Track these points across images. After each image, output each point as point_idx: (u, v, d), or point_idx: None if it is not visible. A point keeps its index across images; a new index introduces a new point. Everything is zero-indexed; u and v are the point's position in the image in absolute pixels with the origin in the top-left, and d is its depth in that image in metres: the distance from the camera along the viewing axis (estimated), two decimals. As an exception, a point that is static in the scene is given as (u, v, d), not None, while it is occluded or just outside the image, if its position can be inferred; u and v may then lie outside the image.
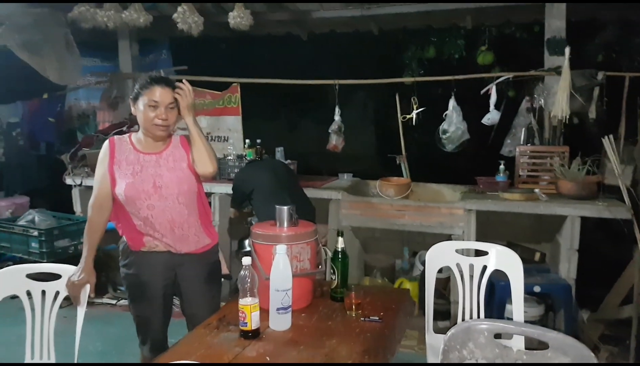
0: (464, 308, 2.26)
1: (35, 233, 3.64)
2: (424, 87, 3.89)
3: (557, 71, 3.40)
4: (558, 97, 3.36)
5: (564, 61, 3.35)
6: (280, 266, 1.77)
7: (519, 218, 3.35)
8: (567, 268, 3.04)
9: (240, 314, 1.70)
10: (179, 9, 3.62)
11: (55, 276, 2.01)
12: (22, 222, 3.79)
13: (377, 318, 1.86)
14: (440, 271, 3.52)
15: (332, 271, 2.03)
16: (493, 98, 3.55)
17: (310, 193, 3.54)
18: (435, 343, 2.19)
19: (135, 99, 2.00)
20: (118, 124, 4.16)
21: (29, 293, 1.99)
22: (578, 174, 3.13)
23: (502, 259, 2.24)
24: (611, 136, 3.23)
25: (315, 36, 4.52)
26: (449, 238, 3.29)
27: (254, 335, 1.70)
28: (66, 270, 2.00)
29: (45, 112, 4.88)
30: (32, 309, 1.97)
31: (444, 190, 3.69)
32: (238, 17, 3.61)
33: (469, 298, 2.26)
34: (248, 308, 1.68)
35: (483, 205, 3.10)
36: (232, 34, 4.48)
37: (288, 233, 1.92)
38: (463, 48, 4.41)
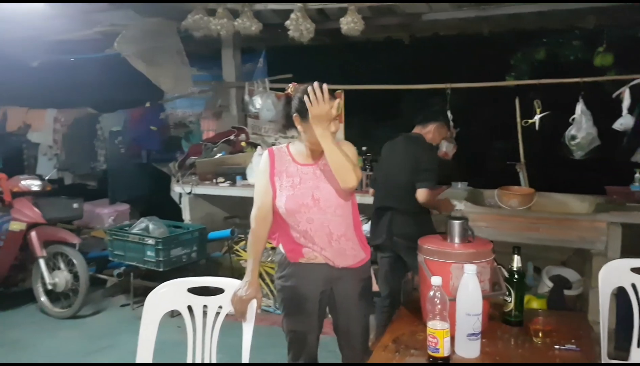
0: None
1: (151, 241, 3.68)
2: (539, 91, 3.65)
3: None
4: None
5: None
6: (469, 287, 1.62)
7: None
8: None
9: (430, 338, 1.57)
10: (292, 15, 3.57)
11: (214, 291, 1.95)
12: (135, 230, 3.84)
13: (575, 347, 1.67)
14: (569, 287, 3.31)
15: (507, 292, 1.86)
16: (627, 101, 3.26)
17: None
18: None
19: (302, 115, 1.91)
20: (225, 133, 4.18)
21: (190, 309, 1.94)
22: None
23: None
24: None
25: (417, 40, 4.37)
26: (585, 252, 3.03)
27: (444, 362, 1.56)
28: (230, 284, 1.93)
29: (147, 121, 4.99)
30: (193, 326, 1.91)
31: (571, 200, 3.41)
32: (352, 22, 3.52)
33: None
34: (441, 333, 1.55)
35: (629, 217, 2.82)
36: (330, 41, 4.41)
37: (469, 250, 1.77)
38: (579, 49, 4.11)
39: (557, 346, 1.68)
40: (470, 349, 1.62)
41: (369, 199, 3.48)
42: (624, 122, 3.28)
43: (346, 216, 1.99)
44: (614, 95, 3.31)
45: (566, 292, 3.12)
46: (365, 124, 4.66)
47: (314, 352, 2.09)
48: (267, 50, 4.89)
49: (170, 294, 1.95)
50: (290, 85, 2.01)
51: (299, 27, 3.58)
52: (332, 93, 1.89)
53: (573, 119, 3.38)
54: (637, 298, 2.04)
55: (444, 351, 1.55)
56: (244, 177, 3.96)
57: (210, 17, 3.70)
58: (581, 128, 3.32)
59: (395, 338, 1.76)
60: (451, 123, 3.71)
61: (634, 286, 2.06)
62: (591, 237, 2.87)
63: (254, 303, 1.89)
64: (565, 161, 3.50)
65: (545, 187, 3.50)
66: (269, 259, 3.66)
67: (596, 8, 3.55)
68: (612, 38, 3.99)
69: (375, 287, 2.19)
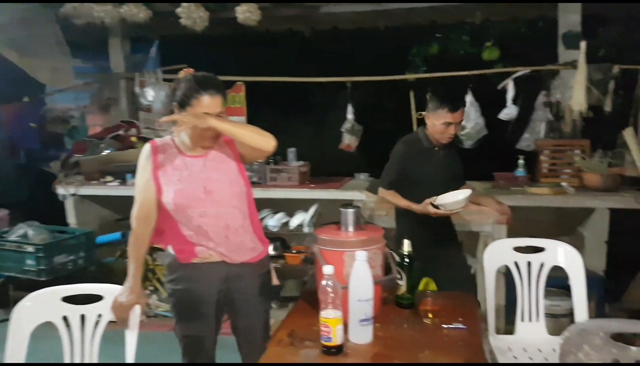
0: (522, 308, 2.21)
1: (31, 249, 3.34)
2: (433, 84, 3.84)
3: (573, 64, 3.41)
4: (575, 91, 3.38)
5: (579, 55, 3.36)
6: (361, 273, 1.64)
7: (537, 213, 3.33)
8: (596, 260, 3.05)
9: (323, 328, 1.56)
10: (184, 4, 3.42)
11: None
12: (13, 237, 3.47)
13: (462, 325, 1.76)
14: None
15: (399, 276, 1.92)
16: (511, 93, 3.53)
17: (331, 194, 3.43)
18: (499, 345, 2.11)
19: (182, 106, 1.81)
20: (113, 128, 3.90)
21: (65, 319, 1.77)
22: (601, 166, 3.15)
23: (561, 255, 2.19)
24: (631, 128, 3.28)
25: (317, 33, 4.40)
26: (476, 235, 3.24)
27: (338, 350, 1.57)
28: (110, 290, 1.79)
29: (25, 117, 4.52)
30: (70, 336, 1.75)
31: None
32: (247, 12, 3.45)
33: (528, 297, 2.20)
34: (333, 322, 1.55)
35: (514, 200, 3.06)
36: (229, 32, 4.30)
37: (361, 238, 1.79)
38: (468, 44, 4.39)
39: (445, 326, 1.75)
40: (362, 334, 1.64)
41: (270, 193, 3.44)
42: (509, 112, 3.55)
43: (242, 207, 1.93)
44: (499, 86, 3.57)
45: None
46: (270, 118, 4.61)
47: (211, 355, 2.01)
48: (161, 39, 4.64)
49: (40, 306, 1.77)
50: (182, 71, 1.90)
51: (192, 15, 3.44)
52: (229, 84, 1.84)
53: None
54: (520, 275, 2.22)
55: (336, 339, 1.56)
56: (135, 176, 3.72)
57: (92, 3, 3.43)
58: (470, 118, 3.55)
59: (291, 331, 1.74)
60: (351, 115, 3.80)
61: (516, 264, 2.23)
62: (480, 220, 3.07)
63: (137, 310, 1.77)
64: (460, 151, 3.70)
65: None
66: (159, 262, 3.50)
67: (483, 4, 3.80)
68: (498, 33, 4.31)
69: (275, 281, 2.14)
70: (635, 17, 3.85)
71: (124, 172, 3.68)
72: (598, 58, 3.84)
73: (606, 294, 3.16)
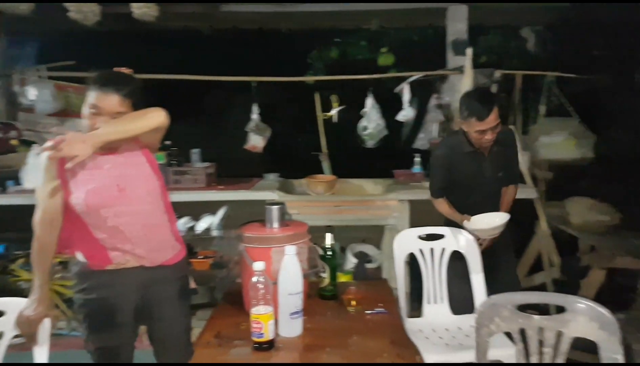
0: (428, 291, 2.41)
1: None
2: (335, 87, 4.03)
3: (461, 69, 3.79)
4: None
5: (466, 60, 3.74)
6: (290, 268, 1.69)
7: (430, 205, 3.63)
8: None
9: (254, 325, 1.59)
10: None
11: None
12: None
13: (383, 310, 1.89)
14: (370, 261, 3.72)
15: (322, 269, 2.00)
16: (406, 96, 3.81)
17: (241, 195, 3.41)
18: (411, 327, 2.29)
19: (88, 106, 1.73)
20: (-11, 130, 3.49)
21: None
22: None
23: (459, 240, 2.43)
24: (512, 127, 3.72)
25: (217, 32, 4.36)
26: (380, 228, 3.46)
27: (270, 345, 1.60)
28: (13, 304, 1.63)
29: None
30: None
31: (366, 185, 3.85)
32: (144, 7, 3.32)
33: (432, 282, 2.41)
34: (265, 317, 1.58)
35: (413, 195, 3.31)
36: (124, 27, 4.09)
37: (287, 233, 1.84)
38: (366, 49, 4.65)
39: (368, 312, 1.87)
40: (293, 328, 1.69)
41: (173, 197, 3.32)
42: (406, 114, 3.83)
43: (158, 204, 1.87)
44: (396, 90, 3.84)
45: (368, 266, 3.51)
46: (170, 119, 4.46)
47: (129, 366, 1.92)
48: (47, 34, 4.27)
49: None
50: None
51: (82, 8, 3.22)
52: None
53: (364, 112, 3.81)
54: (424, 261, 2.42)
55: (268, 334, 1.59)
56: (18, 182, 3.37)
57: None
58: (371, 120, 3.77)
59: (217, 332, 1.73)
60: (256, 115, 3.82)
61: (421, 251, 2.43)
62: (385, 214, 3.29)
63: (46, 323, 1.64)
64: (360, 150, 3.93)
65: (345, 174, 3.87)
66: (59, 276, 3.21)
67: (380, 11, 4.06)
68: (392, 40, 4.63)
69: (192, 284, 2.10)
70: (511, 26, 4.39)
71: (4, 178, 3.32)
72: (481, 64, 4.30)
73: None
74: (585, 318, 1.53)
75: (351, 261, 3.64)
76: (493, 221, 2.32)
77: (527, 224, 3.63)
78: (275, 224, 1.88)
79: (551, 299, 1.60)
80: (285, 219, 1.92)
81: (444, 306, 2.43)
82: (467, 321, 2.31)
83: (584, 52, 5.18)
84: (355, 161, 4.07)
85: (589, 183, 3.66)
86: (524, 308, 1.57)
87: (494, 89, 3.82)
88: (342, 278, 3.49)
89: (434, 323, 2.35)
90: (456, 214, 2.44)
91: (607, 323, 1.50)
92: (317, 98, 3.92)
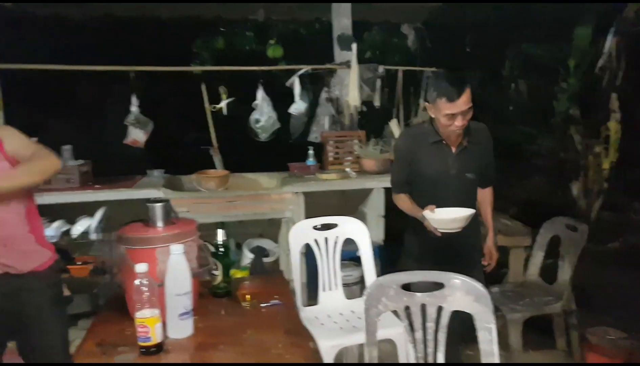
0: (323, 279, 2.48)
1: None
2: (223, 78, 3.95)
3: (348, 64, 3.92)
4: (350, 88, 3.89)
5: (352, 55, 3.89)
6: (176, 268, 1.64)
7: (328, 197, 3.75)
8: (376, 233, 3.60)
9: (140, 329, 1.52)
10: None
11: None
12: None
13: (278, 301, 1.90)
14: (267, 255, 3.71)
15: (214, 266, 1.96)
16: (297, 89, 3.85)
17: (122, 194, 3.22)
18: (307, 315, 2.33)
19: None
20: None
21: None
22: (375, 153, 3.71)
23: (351, 228, 2.53)
24: (395, 120, 3.95)
25: (89, 19, 4.03)
26: (277, 222, 3.47)
27: (158, 349, 1.54)
28: None
29: None
30: None
31: (261, 178, 3.84)
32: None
33: (327, 269, 2.49)
34: (151, 321, 1.52)
35: (308, 187, 3.38)
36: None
37: (173, 232, 1.77)
38: (253, 40, 4.61)
39: (263, 305, 1.87)
40: (183, 329, 1.64)
41: (44, 199, 3.04)
42: (297, 107, 3.87)
43: (20, 209, 1.72)
44: (287, 84, 3.86)
45: (265, 260, 3.51)
46: (35, 114, 4.03)
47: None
48: None
49: None
50: None
51: None
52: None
53: (256, 105, 3.78)
54: (319, 250, 2.48)
55: (156, 338, 1.53)
56: None
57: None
58: (263, 112, 3.76)
59: (100, 340, 1.62)
60: (136, 108, 3.61)
61: (316, 241, 2.49)
62: (280, 207, 3.32)
63: None
64: (254, 143, 3.90)
65: (239, 168, 3.82)
66: None
67: (265, 2, 4.04)
68: (280, 32, 4.64)
69: (66, 291, 1.95)
70: (392, 23, 4.63)
71: None
72: (366, 59, 4.49)
73: (386, 259, 3.73)
74: (462, 292, 1.68)
75: (248, 257, 3.61)
76: (451, 214, 2.11)
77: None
78: (160, 223, 1.80)
79: (431, 277, 1.72)
80: (171, 218, 1.84)
81: (339, 292, 2.52)
82: (359, 304, 2.41)
83: (458, 48, 5.64)
84: (249, 154, 4.02)
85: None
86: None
87: (378, 84, 4.02)
88: (238, 274, 3.45)
89: (330, 309, 2.43)
90: (417, 209, 2.19)
91: (481, 296, 1.66)
92: (204, 89, 3.81)
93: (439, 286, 1.71)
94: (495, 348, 1.62)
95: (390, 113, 4.11)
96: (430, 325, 1.70)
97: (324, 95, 4.00)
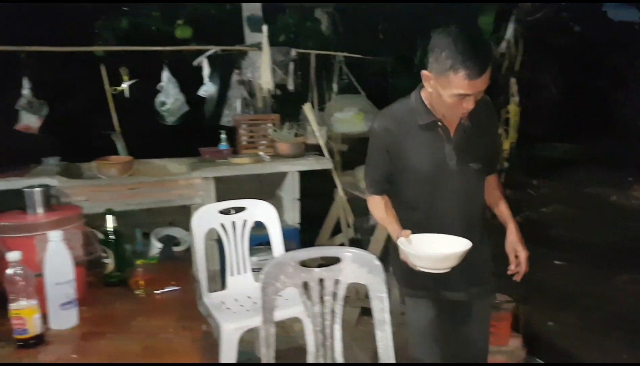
0: (231, 264, 2.46)
1: None
2: (127, 59, 3.77)
3: (259, 46, 3.87)
4: (262, 71, 3.85)
5: (263, 37, 3.84)
6: (56, 255, 1.55)
7: (242, 182, 3.71)
8: (292, 216, 3.62)
9: (16, 321, 1.43)
10: None
11: None
12: None
13: (175, 287, 1.85)
14: (178, 244, 3.61)
15: (104, 254, 1.87)
16: (206, 71, 3.76)
17: (13, 184, 2.97)
18: (213, 301, 2.30)
19: None
20: None
21: None
22: (290, 136, 3.72)
23: (259, 211, 2.52)
24: (309, 104, 3.97)
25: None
26: (187, 209, 3.38)
27: (37, 341, 1.45)
28: None
29: None
30: None
31: (169, 165, 3.70)
32: None
33: (235, 253, 2.46)
34: (27, 312, 1.43)
35: (219, 172, 3.31)
36: None
37: (53, 218, 1.67)
38: (159, 21, 4.43)
39: (158, 291, 1.82)
40: (66, 318, 1.56)
41: None
42: (207, 89, 3.77)
43: None
44: (194, 63, 3.75)
45: (175, 249, 3.42)
46: None
47: None
48: None
49: None
50: None
51: None
52: None
53: (161, 87, 3.64)
54: (226, 235, 2.45)
55: (34, 329, 1.44)
56: None
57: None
58: (169, 95, 3.63)
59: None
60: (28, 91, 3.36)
61: (223, 225, 2.45)
62: (189, 193, 3.23)
63: None
64: (163, 128, 3.76)
65: (146, 154, 3.66)
66: None
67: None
68: (189, 12, 4.48)
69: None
70: (306, 7, 4.63)
71: None
72: (280, 42, 4.45)
73: (303, 242, 3.77)
74: (357, 265, 1.73)
75: (156, 246, 3.50)
76: (444, 247, 1.57)
77: (328, 193, 3.95)
78: (39, 210, 1.70)
79: (328, 252, 1.76)
80: (51, 204, 1.74)
81: (248, 276, 2.50)
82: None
83: (371, 35, 5.75)
84: (158, 140, 3.87)
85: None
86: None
87: (291, 67, 4.01)
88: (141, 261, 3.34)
89: (238, 293, 2.40)
90: (393, 225, 1.70)
91: (374, 267, 1.72)
92: (103, 71, 3.60)
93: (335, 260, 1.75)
94: (387, 316, 1.68)
95: (304, 97, 4.12)
96: (328, 299, 1.73)
97: (235, 77, 3.93)
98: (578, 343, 2.17)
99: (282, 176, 3.67)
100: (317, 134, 3.81)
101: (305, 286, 1.73)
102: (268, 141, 3.78)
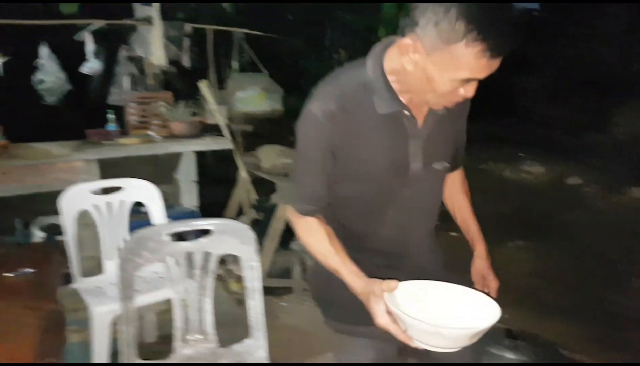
0: (106, 247, 2.31)
1: None
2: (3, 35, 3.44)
3: (149, 20, 3.68)
4: (153, 47, 3.67)
5: (153, 11, 3.66)
6: None
7: (135, 166, 3.52)
8: (190, 199, 3.51)
9: None
10: None
11: None
12: None
13: (30, 270, 1.71)
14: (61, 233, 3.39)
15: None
16: (90, 46, 3.52)
17: None
18: (86, 286, 2.16)
19: None
20: None
21: None
22: (183, 115, 3.58)
23: (139, 191, 2.39)
24: (205, 81, 3.84)
25: None
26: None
27: None
28: None
29: None
30: None
31: (52, 148, 3.40)
32: None
33: (111, 236, 2.32)
34: None
35: (102, 153, 3.13)
36: None
37: None
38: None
39: (9, 274, 1.67)
40: None
41: None
42: (91, 66, 3.54)
43: None
44: (75, 37, 3.49)
45: (58, 238, 3.19)
46: None
47: None
48: None
49: None
50: None
51: None
52: None
53: (39, 64, 3.37)
54: (100, 216, 2.30)
55: None
56: None
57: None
58: (48, 72, 3.37)
59: None
60: None
61: (96, 207, 2.30)
62: (69, 178, 3.01)
63: None
64: (44, 109, 3.48)
65: (27, 138, 3.37)
66: None
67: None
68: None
69: None
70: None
71: None
72: (179, 18, 4.27)
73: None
74: (228, 236, 1.68)
75: (38, 236, 3.25)
76: (447, 305, 1.10)
77: (231, 175, 3.86)
78: None
79: (197, 225, 1.69)
80: None
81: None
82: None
83: (279, 15, 5.69)
84: (39, 122, 3.58)
85: (279, 132, 4.09)
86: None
87: (186, 43, 3.86)
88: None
89: (115, 277, 2.26)
90: (348, 266, 1.15)
91: (247, 237, 1.68)
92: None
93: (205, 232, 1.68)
94: (257, 284, 1.65)
95: (204, 75, 3.98)
96: (198, 272, 1.67)
97: (123, 53, 3.72)
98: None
99: (176, 157, 3.54)
100: (216, 114, 3.70)
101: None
102: (161, 121, 3.61)
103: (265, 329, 1.66)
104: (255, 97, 4.09)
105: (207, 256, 1.66)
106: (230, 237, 1.68)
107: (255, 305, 1.66)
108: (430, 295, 1.09)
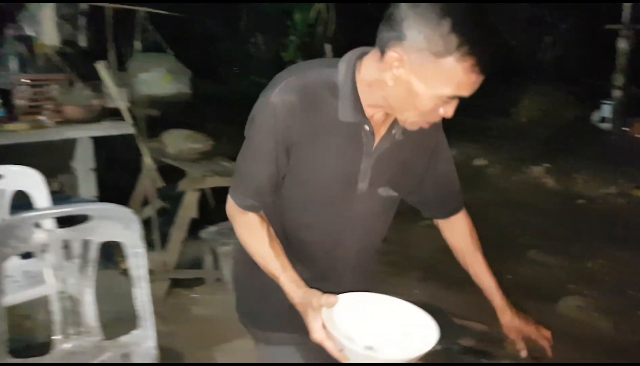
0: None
1: None
2: None
3: (38, -3, 3.42)
4: (45, 26, 3.41)
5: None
6: None
7: (26, 155, 3.24)
8: (87, 188, 3.31)
9: None
10: None
11: None
12: None
13: None
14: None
15: None
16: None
17: None
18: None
19: None
20: None
21: None
22: (80, 99, 3.35)
23: (20, 179, 2.21)
24: (103, 62, 3.61)
25: None
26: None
27: None
28: None
29: None
30: None
31: None
32: None
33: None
34: None
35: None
36: None
37: None
38: None
39: None
40: None
41: None
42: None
43: None
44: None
45: None
46: None
47: None
48: None
49: None
50: None
51: None
52: None
53: None
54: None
55: None
56: None
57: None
58: None
59: None
60: None
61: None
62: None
63: None
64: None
65: None
66: None
67: None
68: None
69: None
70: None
71: None
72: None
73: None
74: (111, 221, 1.59)
75: None
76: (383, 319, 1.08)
77: (134, 162, 3.68)
78: None
79: (72, 210, 1.59)
80: None
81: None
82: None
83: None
84: None
85: (187, 117, 3.96)
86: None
87: (81, 21, 3.62)
88: None
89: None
90: (288, 271, 1.10)
91: (130, 222, 1.59)
92: None
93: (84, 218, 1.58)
94: (143, 271, 1.58)
95: (102, 55, 3.75)
96: (77, 262, 1.57)
97: (10, 32, 3.42)
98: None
99: (71, 144, 3.32)
100: (115, 96, 3.50)
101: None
102: (55, 105, 3.36)
103: (153, 319, 1.59)
104: (159, 79, 3.91)
105: (87, 244, 1.57)
106: (112, 222, 1.59)
107: (142, 294, 1.59)
108: (369, 309, 1.07)
